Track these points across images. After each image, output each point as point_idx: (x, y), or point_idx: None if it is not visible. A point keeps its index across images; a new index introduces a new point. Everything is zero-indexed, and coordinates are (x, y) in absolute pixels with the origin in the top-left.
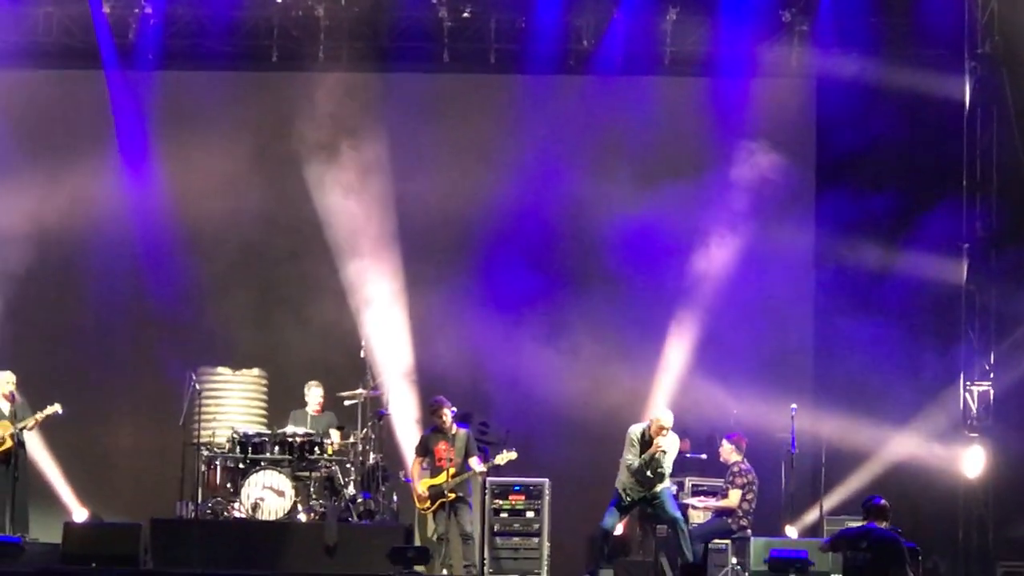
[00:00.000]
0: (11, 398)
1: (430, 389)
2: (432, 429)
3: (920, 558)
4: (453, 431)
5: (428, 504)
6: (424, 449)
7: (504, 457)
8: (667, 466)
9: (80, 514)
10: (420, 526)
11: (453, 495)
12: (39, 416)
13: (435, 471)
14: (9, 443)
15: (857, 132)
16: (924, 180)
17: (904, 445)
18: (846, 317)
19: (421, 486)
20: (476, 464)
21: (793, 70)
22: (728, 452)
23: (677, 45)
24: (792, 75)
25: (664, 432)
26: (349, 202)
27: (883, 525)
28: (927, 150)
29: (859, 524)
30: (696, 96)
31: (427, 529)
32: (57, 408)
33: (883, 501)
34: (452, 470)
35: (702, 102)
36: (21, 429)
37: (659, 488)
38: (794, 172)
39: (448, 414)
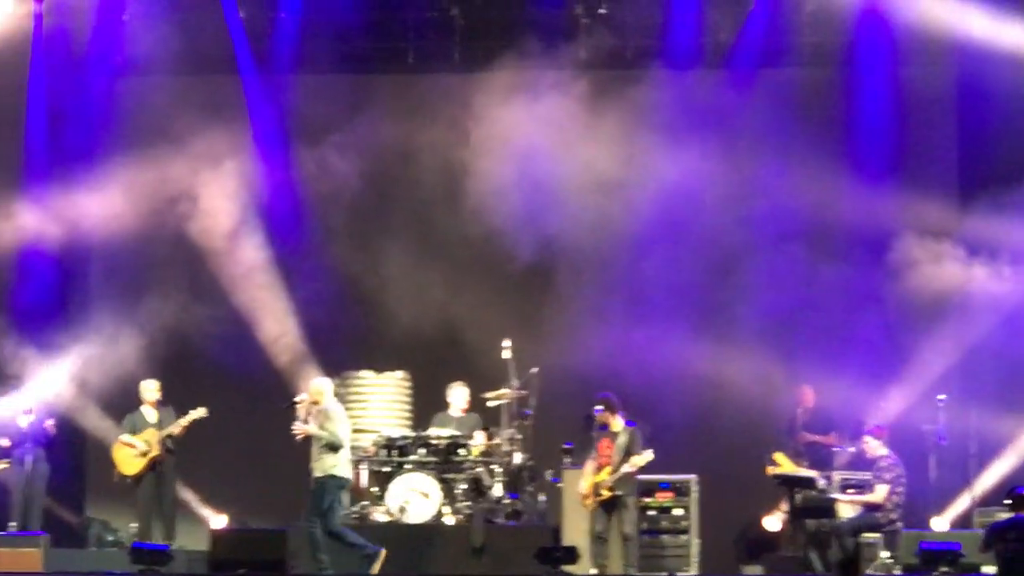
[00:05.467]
0: (157, 406)
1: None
2: (603, 427)
3: None
4: (617, 428)
5: (588, 501)
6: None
7: (641, 459)
8: (335, 436)
9: (218, 520)
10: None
11: (609, 493)
12: (184, 422)
13: (598, 469)
14: (157, 451)
15: (1001, 109)
16: None
17: None
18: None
19: (584, 482)
20: (629, 463)
21: (932, 57)
22: (874, 448)
23: (815, 36)
24: (932, 64)
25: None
26: (498, 202)
27: None
28: None
29: (1007, 516)
30: (834, 86)
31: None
32: (203, 412)
33: None
34: (609, 468)
35: (840, 92)
36: (167, 436)
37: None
38: (936, 153)
39: (616, 412)
